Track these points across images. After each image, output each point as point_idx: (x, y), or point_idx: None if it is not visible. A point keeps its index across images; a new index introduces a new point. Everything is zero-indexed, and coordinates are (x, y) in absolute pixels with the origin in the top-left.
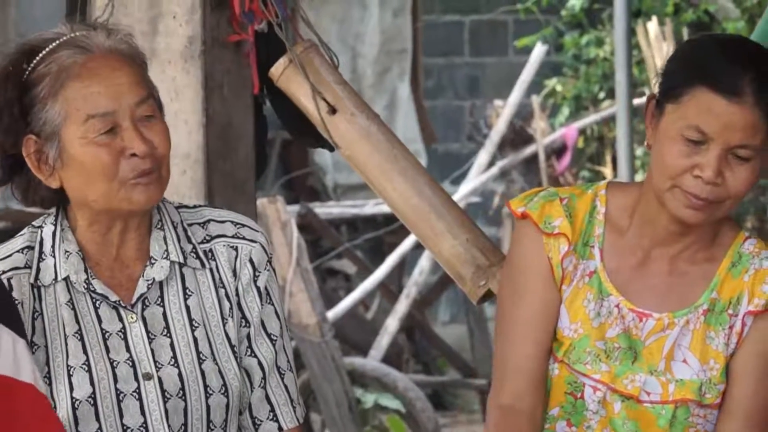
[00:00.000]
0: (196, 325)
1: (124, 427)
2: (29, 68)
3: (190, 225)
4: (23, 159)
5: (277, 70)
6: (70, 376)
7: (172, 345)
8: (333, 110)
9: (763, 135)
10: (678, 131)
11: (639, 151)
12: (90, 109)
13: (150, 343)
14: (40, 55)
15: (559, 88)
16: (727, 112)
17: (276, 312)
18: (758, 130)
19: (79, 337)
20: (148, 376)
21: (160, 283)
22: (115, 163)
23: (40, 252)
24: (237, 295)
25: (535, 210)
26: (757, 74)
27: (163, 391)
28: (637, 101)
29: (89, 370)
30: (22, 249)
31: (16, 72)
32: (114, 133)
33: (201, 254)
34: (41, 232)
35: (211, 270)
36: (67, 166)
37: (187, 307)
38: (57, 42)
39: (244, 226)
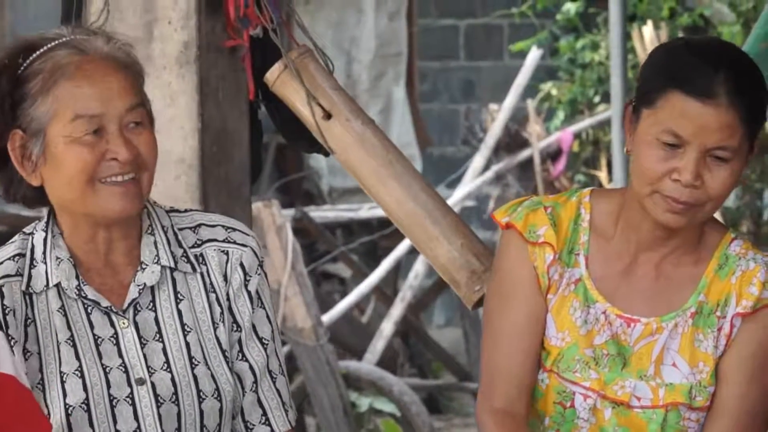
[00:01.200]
0: (188, 329)
1: None
2: (25, 64)
3: (180, 229)
4: (7, 154)
5: (272, 75)
6: (63, 382)
7: (164, 350)
8: (328, 115)
9: (740, 135)
10: (654, 136)
11: None
12: (79, 109)
13: (142, 348)
14: (38, 52)
15: (554, 92)
16: (701, 114)
17: (267, 316)
18: (734, 130)
19: (71, 344)
20: (141, 382)
21: (152, 288)
22: (96, 164)
23: (32, 259)
24: (228, 299)
25: (519, 220)
26: (730, 75)
27: (156, 396)
28: None
29: (82, 376)
30: (13, 256)
31: (11, 66)
32: (99, 135)
33: (192, 258)
34: (32, 238)
35: (202, 274)
36: (49, 164)
37: (179, 312)
38: (56, 42)
39: (235, 230)
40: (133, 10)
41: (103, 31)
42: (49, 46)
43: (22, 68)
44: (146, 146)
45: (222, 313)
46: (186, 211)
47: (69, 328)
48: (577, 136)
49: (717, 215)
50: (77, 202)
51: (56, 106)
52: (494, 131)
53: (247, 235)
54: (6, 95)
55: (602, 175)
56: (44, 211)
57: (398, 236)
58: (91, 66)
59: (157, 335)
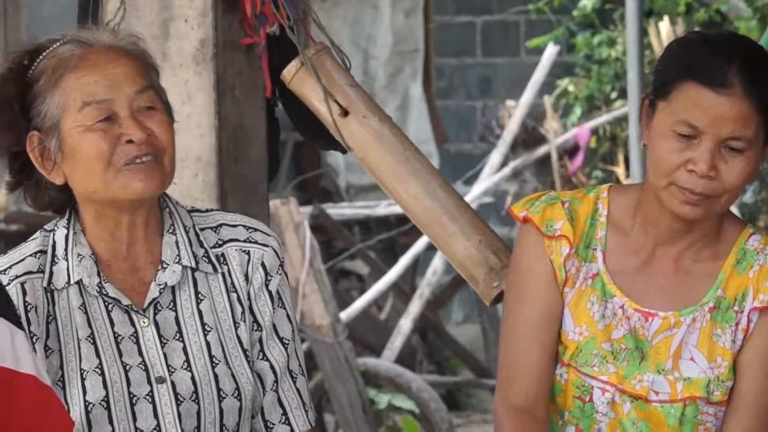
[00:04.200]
0: (208, 329)
1: (138, 431)
2: (33, 67)
3: (202, 229)
4: (30, 162)
5: (289, 72)
6: (83, 379)
7: (184, 349)
8: (345, 112)
9: (755, 126)
10: (669, 127)
11: None
12: (85, 97)
13: (162, 347)
14: (43, 54)
15: (571, 88)
16: (715, 104)
17: (288, 316)
18: (749, 120)
19: (91, 341)
20: (161, 380)
21: (173, 287)
22: (112, 149)
23: (53, 255)
24: (249, 299)
25: (536, 214)
26: (745, 65)
27: (176, 394)
28: None
29: (102, 374)
30: (35, 253)
31: (19, 70)
32: (111, 121)
33: (213, 258)
34: (53, 235)
35: (223, 274)
36: (68, 157)
37: (200, 312)
38: (60, 41)
39: (256, 230)
40: (150, 8)
41: (109, 28)
42: (54, 46)
43: (31, 71)
44: (160, 128)
45: (243, 312)
46: (207, 210)
47: (89, 325)
48: (594, 132)
49: (734, 210)
50: (100, 190)
51: (64, 98)
52: (511, 128)
53: (269, 235)
54: (14, 98)
55: (620, 170)
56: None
57: (416, 233)
58: (94, 56)
59: (178, 335)
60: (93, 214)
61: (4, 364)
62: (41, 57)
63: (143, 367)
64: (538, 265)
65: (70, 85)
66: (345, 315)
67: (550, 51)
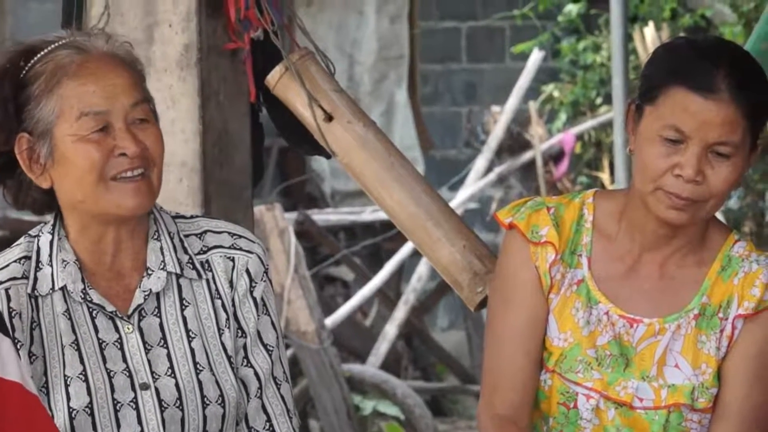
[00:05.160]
0: (192, 335)
1: None
2: (27, 67)
3: (186, 236)
4: (15, 160)
5: (273, 77)
6: (67, 385)
7: (168, 355)
8: (329, 118)
9: (741, 131)
10: (656, 132)
11: None
12: (83, 107)
13: (147, 353)
14: (39, 54)
15: (556, 93)
16: (702, 109)
17: (272, 323)
18: (736, 126)
19: (75, 347)
20: (144, 386)
21: (157, 294)
22: (104, 160)
23: (37, 261)
24: (233, 305)
25: (522, 220)
26: (732, 70)
27: (160, 400)
28: None
29: (86, 380)
30: (19, 259)
31: (13, 70)
32: (106, 132)
33: (198, 265)
34: (38, 241)
35: (207, 281)
36: (58, 164)
37: (184, 318)
38: (56, 43)
39: (241, 237)
40: (134, 13)
41: (103, 32)
42: (50, 48)
43: (24, 71)
44: (153, 141)
45: (228, 319)
46: (192, 217)
47: (74, 331)
48: (579, 137)
49: (719, 216)
50: (89, 201)
51: (61, 105)
52: (496, 133)
53: (253, 242)
54: (9, 99)
55: (605, 176)
56: (48, 216)
57: (401, 239)
58: (93, 64)
59: (162, 341)
60: (77, 224)
61: None
62: (36, 59)
63: (127, 374)
64: (524, 272)
65: (67, 93)
66: (330, 321)
67: (535, 57)
